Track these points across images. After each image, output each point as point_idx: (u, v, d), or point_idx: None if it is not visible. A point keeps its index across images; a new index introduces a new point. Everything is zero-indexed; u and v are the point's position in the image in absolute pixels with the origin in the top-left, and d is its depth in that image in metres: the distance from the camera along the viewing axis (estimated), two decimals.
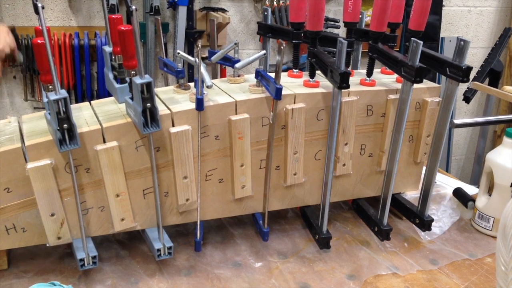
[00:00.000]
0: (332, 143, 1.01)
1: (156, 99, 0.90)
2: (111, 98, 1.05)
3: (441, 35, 3.16)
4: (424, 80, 1.11)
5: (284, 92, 0.99)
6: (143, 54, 2.62)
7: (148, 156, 0.94)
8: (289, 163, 1.06)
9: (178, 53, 1.03)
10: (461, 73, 0.96)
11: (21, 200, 0.91)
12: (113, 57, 0.99)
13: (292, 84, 1.08)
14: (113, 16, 0.93)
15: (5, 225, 0.92)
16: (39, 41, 0.80)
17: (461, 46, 0.95)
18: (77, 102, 2.52)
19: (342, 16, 1.10)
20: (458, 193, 1.28)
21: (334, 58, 0.96)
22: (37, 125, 0.95)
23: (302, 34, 1.07)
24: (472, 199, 1.25)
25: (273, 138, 1.01)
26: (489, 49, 2.69)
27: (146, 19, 2.54)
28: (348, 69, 1.04)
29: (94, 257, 0.94)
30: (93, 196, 0.94)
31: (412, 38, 0.95)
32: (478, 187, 1.25)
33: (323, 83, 1.06)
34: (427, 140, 1.15)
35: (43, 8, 0.81)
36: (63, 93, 0.83)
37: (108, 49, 1.01)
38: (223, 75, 2.31)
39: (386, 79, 1.15)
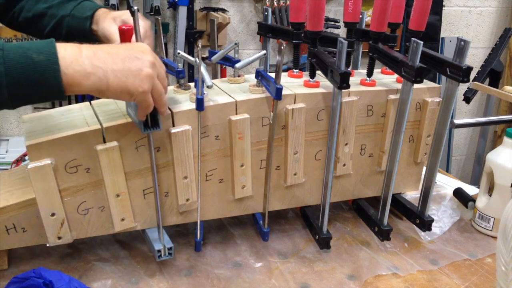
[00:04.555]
0: (332, 143, 1.00)
1: None
2: None
3: (441, 35, 3.16)
4: (424, 80, 1.11)
5: (284, 92, 0.99)
6: None
7: (148, 156, 0.94)
8: (289, 163, 1.06)
9: (178, 53, 1.03)
10: (461, 73, 0.95)
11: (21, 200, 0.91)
12: None
13: (292, 84, 1.08)
14: None
15: (5, 225, 0.92)
16: None
17: (462, 46, 0.95)
18: (77, 102, 2.52)
19: (342, 16, 1.10)
20: (458, 193, 1.28)
21: (334, 58, 0.96)
22: (37, 125, 0.94)
23: (302, 34, 1.07)
24: (473, 199, 1.25)
25: (273, 138, 1.01)
26: (490, 50, 2.70)
27: None
28: (348, 69, 1.04)
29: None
30: (93, 196, 0.94)
31: (412, 38, 0.95)
32: (478, 187, 1.24)
33: (323, 83, 1.06)
34: (427, 140, 1.15)
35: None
36: None
37: None
38: (223, 75, 2.31)
39: (387, 79, 1.15)
